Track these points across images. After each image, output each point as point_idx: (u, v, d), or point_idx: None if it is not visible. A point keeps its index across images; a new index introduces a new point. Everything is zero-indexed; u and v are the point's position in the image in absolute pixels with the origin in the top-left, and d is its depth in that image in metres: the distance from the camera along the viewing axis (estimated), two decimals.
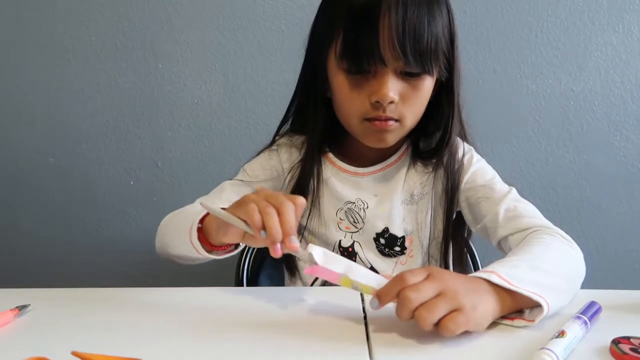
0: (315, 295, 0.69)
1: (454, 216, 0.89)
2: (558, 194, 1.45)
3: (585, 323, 0.54)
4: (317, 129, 0.85)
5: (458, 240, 0.91)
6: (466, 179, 0.86)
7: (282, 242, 0.59)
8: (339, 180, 0.88)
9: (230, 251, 0.72)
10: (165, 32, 1.38)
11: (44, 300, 0.66)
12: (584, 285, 0.69)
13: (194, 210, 0.74)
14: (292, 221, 0.59)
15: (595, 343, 0.53)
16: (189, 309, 0.64)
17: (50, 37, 1.38)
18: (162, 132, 1.42)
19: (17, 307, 0.62)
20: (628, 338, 0.52)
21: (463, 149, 0.88)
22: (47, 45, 1.38)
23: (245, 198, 0.63)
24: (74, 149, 1.42)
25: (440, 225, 0.88)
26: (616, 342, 0.51)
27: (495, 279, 0.57)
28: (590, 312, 0.57)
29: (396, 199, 0.87)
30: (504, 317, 0.58)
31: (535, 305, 0.57)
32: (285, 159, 0.90)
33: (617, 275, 1.46)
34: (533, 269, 0.61)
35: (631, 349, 0.50)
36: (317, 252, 0.61)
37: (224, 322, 0.59)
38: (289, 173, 0.89)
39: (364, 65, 0.73)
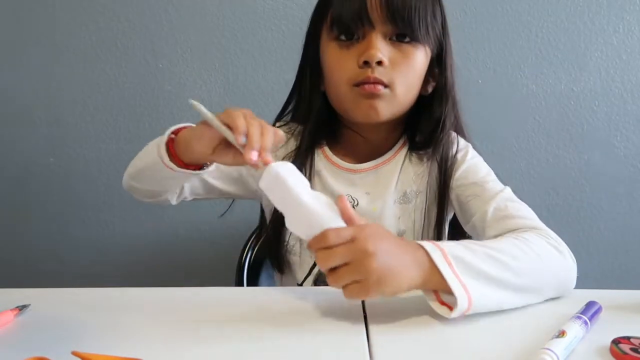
0: (315, 295, 0.69)
1: (451, 215, 0.88)
2: (558, 194, 1.45)
3: (585, 323, 0.54)
4: (312, 119, 0.86)
5: (457, 240, 0.90)
6: (457, 175, 0.84)
7: (259, 154, 0.59)
8: (331, 174, 0.87)
9: (194, 168, 0.72)
10: (165, 32, 1.38)
11: (44, 300, 0.66)
12: (584, 285, 0.69)
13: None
14: (271, 139, 0.61)
15: (595, 343, 0.53)
16: (189, 309, 0.64)
17: (50, 37, 1.38)
18: (162, 132, 1.42)
19: (17, 307, 0.62)
20: (628, 338, 0.52)
21: (457, 144, 0.86)
22: (47, 45, 1.38)
23: (230, 108, 0.64)
24: (74, 149, 1.42)
25: (434, 225, 0.87)
26: (616, 342, 0.51)
27: (436, 256, 0.56)
28: (590, 312, 0.57)
29: (389, 197, 0.86)
30: (437, 298, 0.58)
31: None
32: (293, 146, 0.89)
33: (617, 275, 1.46)
34: (489, 257, 0.59)
35: (631, 349, 0.50)
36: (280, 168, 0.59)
37: (224, 322, 0.59)
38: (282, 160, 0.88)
39: (352, 27, 0.77)
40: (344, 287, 0.55)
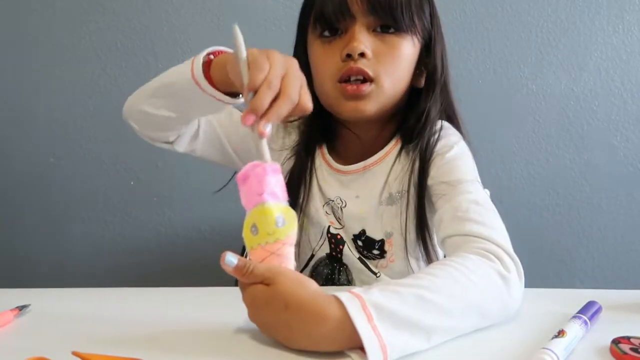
0: None
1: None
2: (558, 194, 1.45)
3: (585, 323, 0.54)
4: (306, 120, 0.86)
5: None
6: (432, 173, 0.78)
7: (259, 120, 0.55)
8: (326, 175, 0.86)
9: (229, 95, 0.68)
10: (165, 32, 1.38)
11: (44, 300, 0.66)
12: (584, 285, 0.69)
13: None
14: (283, 110, 0.55)
15: (595, 343, 0.53)
16: (189, 309, 0.64)
17: (50, 37, 1.38)
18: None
19: (17, 307, 0.62)
20: (628, 338, 0.52)
21: (442, 138, 0.81)
22: (47, 45, 1.38)
23: (269, 54, 0.59)
24: (74, 149, 1.42)
25: (422, 225, 0.82)
26: (616, 342, 0.51)
27: (352, 308, 0.48)
28: (590, 312, 0.57)
29: (375, 199, 0.83)
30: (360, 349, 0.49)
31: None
32: (294, 138, 0.89)
33: (617, 275, 1.46)
34: (420, 300, 0.51)
35: (631, 349, 0.50)
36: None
37: (224, 322, 0.59)
38: (289, 151, 0.88)
39: (333, 22, 0.76)
40: None
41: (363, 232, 0.84)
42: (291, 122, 0.90)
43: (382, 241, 0.83)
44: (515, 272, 0.60)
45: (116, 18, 1.37)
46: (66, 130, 1.41)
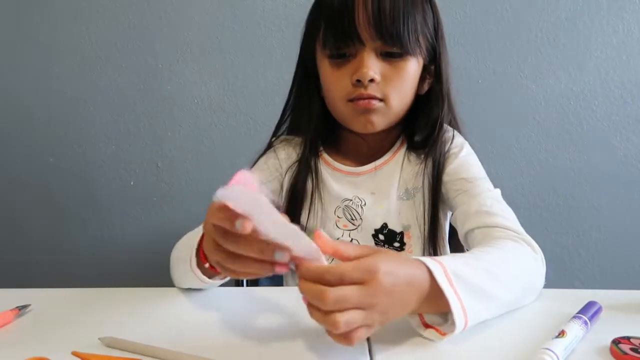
0: None
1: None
2: (558, 194, 1.45)
3: (586, 323, 0.54)
4: (312, 127, 0.87)
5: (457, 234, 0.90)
6: (448, 170, 0.84)
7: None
8: (334, 180, 0.88)
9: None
10: (165, 32, 1.38)
11: (44, 300, 0.66)
12: (584, 285, 0.69)
13: (193, 235, 0.67)
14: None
15: (595, 343, 0.53)
16: (188, 309, 0.64)
17: (50, 37, 1.38)
18: (162, 132, 1.42)
19: (17, 307, 0.62)
20: (628, 338, 0.52)
21: (453, 140, 0.87)
22: (47, 45, 1.38)
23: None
24: (74, 149, 1.42)
25: (434, 220, 0.87)
26: (616, 342, 0.51)
27: (438, 274, 0.51)
28: (590, 312, 0.57)
29: (393, 194, 0.87)
30: (421, 321, 0.55)
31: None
32: (283, 157, 0.90)
33: (617, 275, 1.46)
34: (487, 273, 0.57)
35: (631, 349, 0.50)
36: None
37: (224, 322, 0.59)
38: (286, 172, 0.89)
39: (343, 46, 0.77)
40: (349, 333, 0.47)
41: (385, 225, 0.87)
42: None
43: (402, 233, 0.87)
44: (540, 255, 0.68)
45: (116, 18, 1.37)
46: (66, 130, 1.41)
